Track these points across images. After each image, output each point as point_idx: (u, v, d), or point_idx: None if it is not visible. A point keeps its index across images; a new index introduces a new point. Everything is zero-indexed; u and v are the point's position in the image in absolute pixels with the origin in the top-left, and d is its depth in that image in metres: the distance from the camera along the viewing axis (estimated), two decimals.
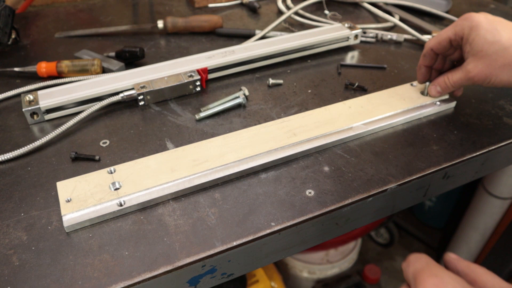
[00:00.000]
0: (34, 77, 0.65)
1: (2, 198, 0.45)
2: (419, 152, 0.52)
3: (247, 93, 0.61)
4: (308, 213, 0.43)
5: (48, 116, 0.57)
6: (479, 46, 0.47)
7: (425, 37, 0.77)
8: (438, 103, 0.59)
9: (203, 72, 0.63)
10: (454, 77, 0.52)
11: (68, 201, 0.42)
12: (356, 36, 0.74)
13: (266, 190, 0.46)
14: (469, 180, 0.56)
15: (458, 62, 0.56)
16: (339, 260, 1.33)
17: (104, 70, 0.67)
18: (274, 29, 0.77)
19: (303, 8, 0.85)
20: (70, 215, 0.41)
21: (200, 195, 0.45)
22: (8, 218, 0.43)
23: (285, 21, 0.84)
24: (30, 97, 0.56)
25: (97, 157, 0.50)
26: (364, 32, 0.78)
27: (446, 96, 0.60)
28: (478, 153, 0.52)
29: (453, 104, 0.59)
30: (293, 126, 0.53)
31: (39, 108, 0.55)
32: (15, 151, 0.50)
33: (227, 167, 0.47)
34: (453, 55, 0.55)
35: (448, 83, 0.53)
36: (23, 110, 0.55)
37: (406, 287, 0.37)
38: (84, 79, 0.61)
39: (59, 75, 0.65)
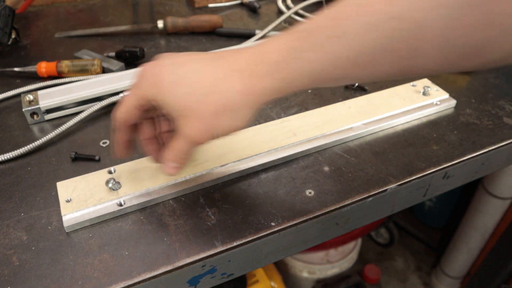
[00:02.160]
0: (34, 77, 0.65)
1: (2, 198, 0.45)
2: (419, 152, 0.52)
3: None
4: (308, 213, 0.43)
5: (48, 116, 0.57)
6: (178, 105, 0.35)
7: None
8: (438, 103, 0.59)
9: None
10: (179, 146, 0.38)
11: (68, 201, 0.42)
12: None
13: (266, 190, 0.46)
14: (469, 180, 0.56)
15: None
16: (339, 260, 1.33)
17: (104, 70, 0.67)
18: (274, 29, 0.77)
19: (303, 8, 0.85)
20: (70, 215, 0.41)
21: (200, 195, 0.45)
22: (8, 218, 0.43)
23: (285, 21, 0.84)
24: (30, 97, 0.56)
25: (97, 157, 0.50)
26: None
27: (446, 96, 0.60)
28: (478, 153, 0.52)
29: (453, 104, 0.59)
30: (293, 126, 0.53)
31: (39, 108, 0.55)
32: (15, 151, 0.50)
33: (227, 167, 0.47)
34: (158, 111, 0.41)
35: (178, 155, 0.38)
36: (23, 110, 0.55)
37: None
38: (84, 79, 0.61)
39: (59, 75, 0.65)
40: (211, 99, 0.35)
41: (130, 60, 0.69)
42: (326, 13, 0.33)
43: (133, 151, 0.43)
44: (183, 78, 0.35)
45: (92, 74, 0.65)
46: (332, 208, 0.44)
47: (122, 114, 0.39)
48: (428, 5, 0.30)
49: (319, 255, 1.30)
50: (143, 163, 0.47)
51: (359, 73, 0.34)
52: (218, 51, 0.38)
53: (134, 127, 0.41)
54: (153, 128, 0.42)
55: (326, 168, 0.49)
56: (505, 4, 0.29)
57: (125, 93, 0.39)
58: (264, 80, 0.34)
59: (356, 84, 0.64)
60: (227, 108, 0.35)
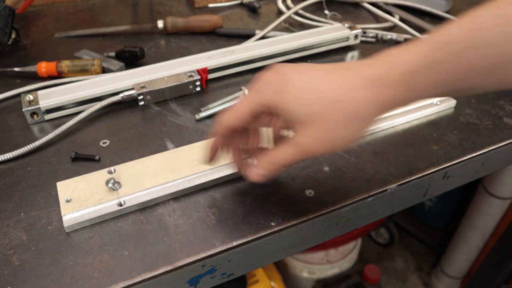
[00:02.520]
0: (34, 77, 0.65)
1: (2, 198, 0.45)
2: (419, 152, 0.52)
3: (247, 93, 0.61)
4: (308, 213, 0.43)
5: (48, 116, 0.57)
6: (305, 111, 0.34)
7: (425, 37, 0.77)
8: (438, 102, 0.59)
9: (203, 72, 0.63)
10: (283, 155, 0.36)
11: (68, 201, 0.42)
12: (356, 36, 0.74)
13: (266, 190, 0.46)
14: (469, 180, 0.56)
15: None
16: (339, 260, 1.33)
17: (104, 70, 0.67)
18: (274, 29, 0.77)
19: (303, 8, 0.85)
20: (70, 215, 0.41)
21: (200, 195, 0.45)
22: (8, 218, 0.43)
23: (285, 21, 0.84)
24: (30, 97, 0.56)
25: (97, 157, 0.50)
26: (364, 32, 0.78)
27: None
28: (478, 153, 0.52)
29: (453, 104, 0.59)
30: None
31: (39, 108, 0.55)
32: (15, 151, 0.50)
33: (227, 167, 0.47)
34: (262, 122, 0.41)
35: (276, 164, 0.37)
36: (23, 110, 0.55)
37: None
38: (84, 79, 0.61)
39: (59, 75, 0.65)
40: (340, 106, 0.34)
41: (130, 60, 0.69)
42: (462, 23, 0.33)
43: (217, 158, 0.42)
44: (311, 84, 0.34)
45: (92, 74, 0.65)
46: (332, 208, 0.44)
47: (232, 118, 0.37)
48: None
49: (319, 255, 1.30)
50: (143, 163, 0.47)
51: (491, 83, 0.34)
52: (344, 62, 0.36)
53: (234, 134, 0.40)
54: (244, 139, 0.42)
55: (326, 168, 0.49)
56: None
57: (238, 100, 0.38)
58: (396, 90, 0.33)
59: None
60: (354, 117, 0.34)
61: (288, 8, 0.89)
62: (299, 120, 0.35)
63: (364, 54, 0.74)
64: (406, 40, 0.79)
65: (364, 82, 0.34)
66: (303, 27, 0.82)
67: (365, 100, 0.33)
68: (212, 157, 0.42)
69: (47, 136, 0.52)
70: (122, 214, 0.43)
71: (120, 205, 0.43)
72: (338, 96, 0.34)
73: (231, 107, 0.38)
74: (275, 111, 0.36)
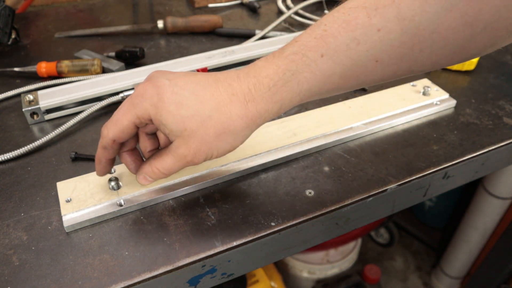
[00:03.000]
0: (34, 77, 0.65)
1: (2, 198, 0.45)
2: (419, 152, 0.52)
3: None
4: (308, 213, 0.43)
5: (48, 116, 0.57)
6: (179, 126, 0.36)
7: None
8: (438, 103, 0.59)
9: (203, 72, 0.63)
10: (165, 163, 0.38)
11: (68, 201, 0.42)
12: None
13: (266, 190, 0.46)
14: (469, 180, 0.56)
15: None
16: (339, 260, 1.33)
17: (104, 70, 0.67)
18: (274, 29, 0.77)
19: (303, 8, 0.85)
20: (70, 215, 0.41)
21: (200, 195, 0.45)
22: (8, 218, 0.43)
23: (285, 21, 0.84)
24: (30, 97, 0.56)
25: None
26: None
27: (446, 96, 0.60)
28: (478, 153, 0.52)
29: (453, 104, 0.59)
30: (293, 126, 0.53)
31: (39, 108, 0.55)
32: (15, 151, 0.50)
33: (227, 167, 0.47)
34: (145, 129, 0.41)
35: (159, 171, 0.39)
36: (23, 110, 0.55)
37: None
38: (84, 79, 0.61)
39: (59, 75, 0.65)
40: (213, 122, 0.36)
41: (130, 60, 0.69)
42: (313, 32, 0.36)
43: (109, 171, 0.42)
44: (185, 99, 0.36)
45: (92, 74, 0.65)
46: (332, 208, 0.44)
47: (113, 132, 0.38)
48: (413, 12, 0.32)
49: (319, 255, 1.30)
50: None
51: (349, 84, 0.37)
52: (215, 73, 0.38)
53: (119, 147, 0.40)
54: (135, 141, 0.42)
55: (326, 168, 0.49)
56: (481, 3, 0.31)
57: (117, 111, 0.38)
58: (262, 104, 0.36)
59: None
60: (227, 131, 0.36)
61: (288, 8, 0.89)
62: (176, 134, 0.36)
63: None
64: None
65: (232, 97, 0.36)
66: (303, 27, 0.82)
67: (234, 115, 0.36)
68: (103, 170, 0.41)
69: (47, 136, 0.52)
70: (122, 214, 0.43)
71: (120, 205, 0.43)
72: (211, 112, 0.36)
73: (112, 118, 0.38)
74: (154, 122, 0.37)
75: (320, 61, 0.35)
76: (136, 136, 0.41)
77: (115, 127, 0.38)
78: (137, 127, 0.38)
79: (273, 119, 0.38)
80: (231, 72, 0.38)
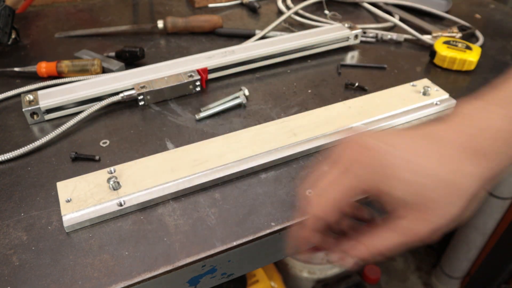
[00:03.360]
0: (34, 77, 0.65)
1: (2, 198, 0.45)
2: None
3: (247, 93, 0.61)
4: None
5: (48, 116, 0.57)
6: (411, 196, 0.30)
7: (425, 37, 0.77)
8: (438, 103, 0.59)
9: (203, 72, 0.63)
10: (384, 242, 0.32)
11: (68, 201, 0.42)
12: (356, 36, 0.74)
13: (266, 190, 0.46)
14: None
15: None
16: None
17: (104, 70, 0.67)
18: (274, 29, 0.77)
19: (303, 8, 0.85)
20: (70, 215, 0.41)
21: (200, 195, 0.45)
22: (8, 218, 0.43)
23: (285, 21, 0.84)
24: (30, 97, 0.56)
25: (97, 157, 0.50)
26: (364, 32, 0.78)
27: (446, 96, 0.60)
28: None
29: (453, 104, 0.59)
30: (293, 126, 0.53)
31: (39, 108, 0.55)
32: (15, 151, 0.50)
33: (227, 167, 0.47)
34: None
35: (375, 253, 0.32)
36: (23, 110, 0.55)
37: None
38: (84, 79, 0.61)
39: (59, 75, 0.65)
40: (448, 184, 0.30)
41: (130, 60, 0.69)
42: None
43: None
44: (418, 164, 0.30)
45: (92, 74, 0.65)
46: None
47: (326, 209, 0.32)
48: None
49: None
50: (143, 163, 0.47)
51: None
52: (425, 128, 0.33)
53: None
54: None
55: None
56: None
57: (324, 186, 0.33)
58: (496, 160, 0.30)
59: (356, 84, 0.64)
60: (461, 194, 0.30)
61: (288, 8, 0.89)
62: (405, 205, 0.31)
63: (364, 54, 0.74)
64: (406, 40, 0.79)
65: (467, 155, 0.30)
66: (303, 27, 0.82)
67: (471, 175, 0.30)
68: (306, 252, 0.37)
69: (47, 136, 0.52)
70: (122, 214, 0.43)
71: (120, 205, 0.43)
72: (445, 174, 0.30)
73: (319, 193, 0.33)
74: (375, 196, 0.32)
75: None
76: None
77: (326, 204, 0.32)
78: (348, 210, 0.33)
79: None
80: (449, 125, 0.32)
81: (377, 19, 0.88)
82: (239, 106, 0.60)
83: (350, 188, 0.32)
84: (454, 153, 0.30)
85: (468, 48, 0.69)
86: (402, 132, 0.33)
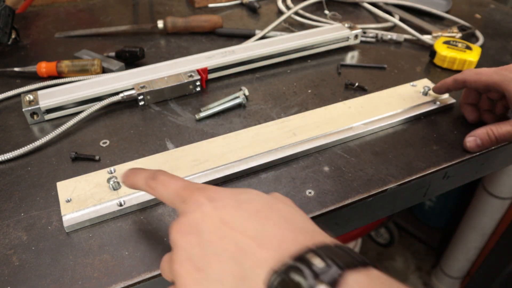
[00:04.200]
0: (34, 77, 0.65)
1: (2, 198, 0.45)
2: (419, 152, 0.52)
3: (247, 93, 0.61)
4: (308, 213, 0.43)
5: (48, 116, 0.57)
6: None
7: (425, 37, 0.77)
8: (438, 103, 0.59)
9: (203, 72, 0.63)
10: (501, 129, 0.44)
11: (68, 201, 0.42)
12: (356, 36, 0.74)
13: (266, 190, 0.46)
14: (469, 180, 0.56)
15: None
16: None
17: (104, 70, 0.67)
18: (274, 29, 0.77)
19: (303, 8, 0.85)
20: (70, 215, 0.41)
21: None
22: (8, 218, 0.43)
23: (285, 21, 0.84)
24: (30, 97, 0.56)
25: (97, 157, 0.50)
26: (364, 32, 0.78)
27: (446, 96, 0.60)
28: (478, 153, 0.52)
29: (453, 104, 0.59)
30: (293, 126, 0.53)
31: (39, 108, 0.55)
32: (15, 151, 0.50)
33: (227, 167, 0.47)
34: (489, 94, 0.50)
35: (491, 136, 0.45)
36: (23, 110, 0.55)
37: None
38: (84, 79, 0.61)
39: (59, 75, 0.65)
40: None
41: (130, 60, 0.69)
42: None
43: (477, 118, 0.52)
44: None
45: (92, 74, 0.65)
46: (332, 208, 0.44)
47: (469, 76, 0.47)
48: None
49: None
50: (143, 163, 0.47)
51: None
52: None
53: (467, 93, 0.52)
54: (477, 99, 0.51)
55: (326, 168, 0.49)
56: None
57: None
58: None
59: (356, 84, 0.64)
60: None
61: (288, 8, 0.89)
62: None
63: (364, 54, 0.74)
64: (406, 40, 0.79)
65: None
66: (303, 27, 0.82)
67: None
68: (471, 113, 0.53)
69: (47, 136, 0.52)
70: (122, 214, 0.43)
71: (120, 205, 0.43)
72: None
73: (477, 70, 0.47)
74: (505, 93, 0.43)
75: None
76: (479, 96, 0.50)
77: (474, 76, 0.46)
78: (482, 91, 0.46)
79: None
80: None
81: (377, 19, 0.88)
82: (239, 106, 0.60)
83: (490, 75, 0.44)
84: None
85: (468, 48, 0.69)
86: None
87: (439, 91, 0.55)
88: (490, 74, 0.45)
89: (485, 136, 0.46)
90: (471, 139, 0.47)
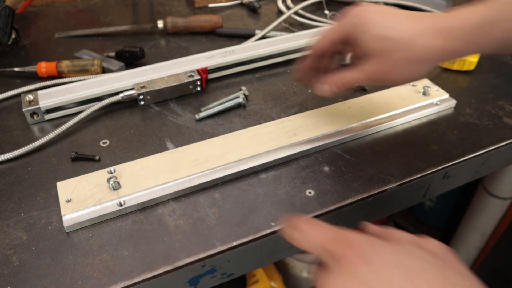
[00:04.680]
0: (34, 77, 0.65)
1: (2, 198, 0.45)
2: (419, 152, 0.52)
3: (247, 93, 0.61)
4: (308, 213, 0.43)
5: (48, 116, 0.57)
6: (379, 45, 0.42)
7: None
8: (438, 103, 0.59)
9: (203, 72, 0.63)
10: (350, 76, 0.45)
11: (68, 201, 0.42)
12: None
13: (266, 190, 0.46)
14: (469, 180, 0.56)
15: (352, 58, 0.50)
16: None
17: (104, 70, 0.67)
18: (274, 29, 0.77)
19: (303, 8, 0.85)
20: (70, 215, 0.41)
21: (200, 195, 0.45)
22: (8, 218, 0.43)
23: (285, 21, 0.84)
24: (30, 97, 0.56)
25: (97, 157, 0.50)
26: None
27: (446, 96, 0.60)
28: (478, 153, 0.52)
29: (453, 104, 0.59)
30: (293, 126, 0.53)
31: (39, 108, 0.55)
32: (15, 151, 0.50)
33: (227, 167, 0.47)
34: (344, 51, 0.49)
35: (343, 82, 0.46)
36: (23, 110, 0.55)
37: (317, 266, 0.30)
38: (84, 79, 0.61)
39: (59, 75, 0.65)
40: (407, 48, 0.40)
41: (130, 60, 0.69)
42: None
43: (310, 80, 0.51)
44: (386, 24, 0.41)
45: (92, 74, 0.65)
46: (332, 208, 0.44)
47: (320, 43, 0.47)
48: None
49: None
50: (143, 163, 0.47)
51: None
52: (413, 12, 0.43)
53: (321, 58, 0.49)
54: (329, 62, 0.50)
55: (326, 168, 0.49)
56: None
57: (326, 28, 0.47)
58: (457, 42, 0.39)
59: (356, 84, 0.63)
60: (417, 59, 0.41)
61: (288, 8, 0.89)
62: (370, 52, 0.42)
63: None
64: None
65: (431, 31, 0.40)
66: (303, 27, 0.82)
67: (429, 47, 0.40)
68: (306, 77, 0.50)
69: (47, 136, 0.52)
70: (122, 214, 0.43)
71: (120, 205, 0.43)
72: (407, 40, 0.40)
73: (321, 33, 0.46)
74: (353, 41, 0.43)
75: None
76: (329, 60, 0.50)
77: (323, 40, 0.46)
78: (339, 43, 0.46)
79: (456, 56, 0.42)
80: (437, 13, 0.43)
81: None
82: (239, 106, 0.60)
83: (339, 30, 0.44)
84: (423, 29, 0.40)
85: None
86: (397, 10, 0.43)
87: (308, 79, 0.51)
88: (335, 28, 0.45)
89: (337, 82, 0.46)
90: (325, 86, 0.47)
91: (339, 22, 0.45)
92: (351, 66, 0.45)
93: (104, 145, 0.52)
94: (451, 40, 0.39)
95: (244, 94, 0.61)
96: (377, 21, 0.42)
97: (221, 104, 0.59)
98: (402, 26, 0.41)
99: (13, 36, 0.74)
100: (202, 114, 0.57)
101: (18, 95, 0.61)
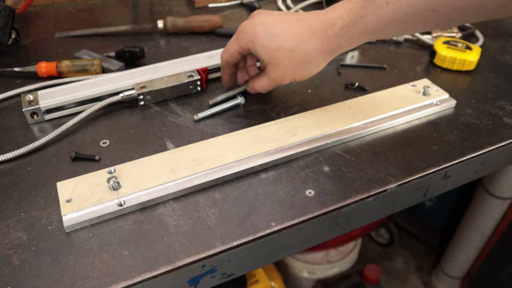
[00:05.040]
0: (34, 77, 0.65)
1: (2, 198, 0.45)
2: (419, 152, 0.52)
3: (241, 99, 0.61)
4: (308, 213, 0.43)
5: (48, 116, 0.57)
6: (269, 56, 0.49)
7: (425, 37, 0.77)
8: (438, 103, 0.59)
9: (203, 72, 0.63)
10: (261, 82, 0.54)
11: (68, 201, 0.42)
12: None
13: (266, 190, 0.46)
14: (469, 180, 0.56)
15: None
16: (339, 260, 1.33)
17: (104, 70, 0.67)
18: None
19: (303, 8, 0.85)
20: (70, 215, 0.41)
21: (200, 195, 0.45)
22: (8, 218, 0.43)
23: None
24: (30, 97, 0.56)
25: (97, 157, 0.50)
26: None
27: (446, 96, 0.60)
28: (478, 153, 0.52)
29: (453, 104, 0.59)
30: (293, 126, 0.53)
31: (39, 108, 0.55)
32: (15, 151, 0.50)
33: (227, 167, 0.47)
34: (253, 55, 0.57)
35: (257, 88, 0.55)
36: (23, 110, 0.55)
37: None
38: (84, 79, 0.61)
39: (59, 75, 0.65)
40: (295, 54, 0.48)
41: (130, 60, 0.69)
42: None
43: (234, 83, 0.61)
44: (274, 36, 0.48)
45: (92, 74, 0.65)
46: (332, 208, 0.44)
47: (225, 56, 0.55)
48: None
49: (319, 255, 1.30)
50: (143, 163, 0.47)
51: (409, 29, 0.44)
52: (300, 14, 0.50)
53: (235, 66, 0.58)
54: (235, 67, 0.58)
55: (326, 168, 0.49)
56: None
57: (229, 42, 0.55)
58: (335, 41, 0.47)
59: (356, 84, 0.64)
60: (306, 62, 0.49)
61: (288, 8, 0.89)
62: (267, 62, 0.51)
63: (364, 54, 0.74)
64: (406, 40, 0.79)
65: (311, 35, 0.47)
66: None
67: (316, 49, 0.48)
68: (228, 83, 0.60)
69: (47, 136, 0.52)
70: (122, 214, 0.43)
71: (120, 205, 0.43)
72: (294, 46, 0.48)
73: (226, 47, 0.55)
74: (252, 52, 0.51)
75: (385, 7, 0.43)
76: (245, 59, 0.58)
77: (226, 53, 0.55)
78: (242, 54, 0.54)
79: (347, 50, 0.49)
80: (312, 14, 0.48)
81: None
82: (238, 106, 0.60)
83: (236, 46, 0.53)
84: (306, 34, 0.47)
85: (468, 48, 0.69)
86: (285, 15, 0.50)
87: (231, 83, 0.61)
88: (233, 43, 0.53)
89: (251, 88, 0.57)
90: (248, 89, 0.58)
91: (235, 38, 0.53)
92: (263, 71, 0.54)
93: (104, 145, 0.53)
94: (331, 41, 0.47)
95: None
96: (264, 34, 0.49)
97: (222, 101, 0.59)
98: (289, 33, 0.48)
99: (13, 36, 0.74)
100: (202, 114, 0.57)
101: (18, 95, 0.61)
